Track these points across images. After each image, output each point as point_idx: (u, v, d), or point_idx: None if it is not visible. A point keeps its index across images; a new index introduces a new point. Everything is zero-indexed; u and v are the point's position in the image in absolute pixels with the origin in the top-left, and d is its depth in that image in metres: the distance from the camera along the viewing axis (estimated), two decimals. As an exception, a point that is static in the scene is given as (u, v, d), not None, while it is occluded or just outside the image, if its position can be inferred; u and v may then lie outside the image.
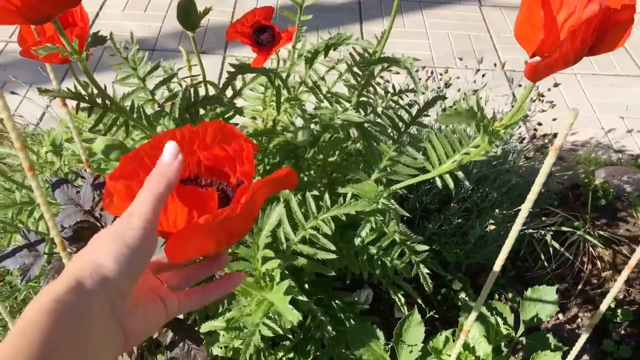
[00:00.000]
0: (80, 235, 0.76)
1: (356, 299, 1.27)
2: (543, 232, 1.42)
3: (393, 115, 1.06)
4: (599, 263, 1.55)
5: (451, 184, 0.93)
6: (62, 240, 0.65)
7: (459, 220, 1.42)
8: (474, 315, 0.72)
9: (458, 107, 0.78)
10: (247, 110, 1.18)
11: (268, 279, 0.75)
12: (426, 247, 1.04)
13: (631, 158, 1.93)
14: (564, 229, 1.48)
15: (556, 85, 1.57)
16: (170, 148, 0.43)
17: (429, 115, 1.09)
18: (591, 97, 2.20)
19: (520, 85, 1.63)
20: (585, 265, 1.53)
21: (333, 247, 0.88)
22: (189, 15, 0.84)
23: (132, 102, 0.88)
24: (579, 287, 1.48)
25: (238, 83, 1.13)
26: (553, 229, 1.45)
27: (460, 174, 0.96)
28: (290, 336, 1.02)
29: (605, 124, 2.08)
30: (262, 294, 0.75)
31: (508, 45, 2.43)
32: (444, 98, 1.16)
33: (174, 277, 0.48)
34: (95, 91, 0.81)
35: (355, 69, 1.06)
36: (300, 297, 0.85)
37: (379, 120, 1.09)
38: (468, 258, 1.42)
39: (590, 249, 1.55)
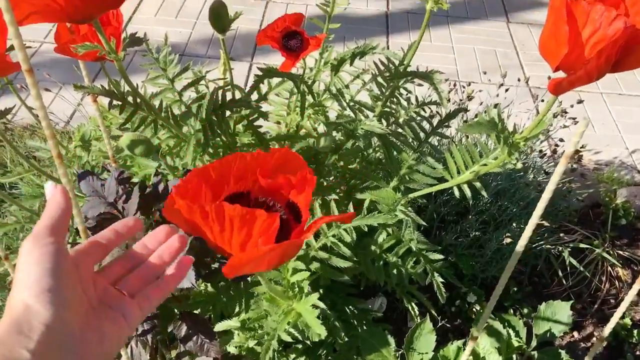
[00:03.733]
0: (102, 226, 0.79)
1: (370, 306, 1.28)
2: (561, 248, 1.42)
3: (415, 126, 1.08)
4: (617, 283, 1.54)
5: (468, 194, 0.94)
6: (85, 228, 0.68)
7: (476, 233, 1.42)
8: (482, 322, 0.73)
9: (480, 118, 0.80)
10: (271, 114, 1.21)
11: (297, 290, 0.77)
12: (441, 257, 1.05)
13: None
14: (582, 245, 1.48)
15: (580, 102, 1.57)
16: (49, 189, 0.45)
17: (449, 127, 1.11)
18: (616, 117, 2.18)
19: (543, 101, 1.63)
20: (603, 284, 1.52)
21: (352, 256, 0.90)
22: (220, 18, 0.87)
23: (161, 102, 0.91)
24: (596, 306, 1.47)
25: (264, 88, 1.15)
26: (571, 245, 1.45)
27: (478, 185, 0.97)
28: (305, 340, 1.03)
29: (630, 144, 2.07)
30: (289, 303, 0.76)
31: (534, 61, 2.43)
32: (465, 110, 1.17)
33: (134, 282, 0.48)
34: (127, 89, 0.84)
35: (380, 79, 1.09)
36: (319, 304, 0.87)
37: (400, 130, 1.11)
38: (484, 271, 1.42)
39: (609, 268, 1.54)
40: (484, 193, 0.95)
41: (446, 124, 1.08)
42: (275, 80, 1.17)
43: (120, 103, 0.85)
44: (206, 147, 0.97)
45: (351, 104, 1.13)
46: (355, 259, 0.90)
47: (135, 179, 0.97)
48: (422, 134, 1.08)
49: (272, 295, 0.75)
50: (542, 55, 0.69)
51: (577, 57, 0.64)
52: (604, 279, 1.53)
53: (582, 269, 1.46)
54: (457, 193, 0.98)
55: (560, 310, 1.13)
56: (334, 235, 0.91)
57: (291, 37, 0.95)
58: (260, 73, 1.00)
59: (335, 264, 0.92)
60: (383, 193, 0.99)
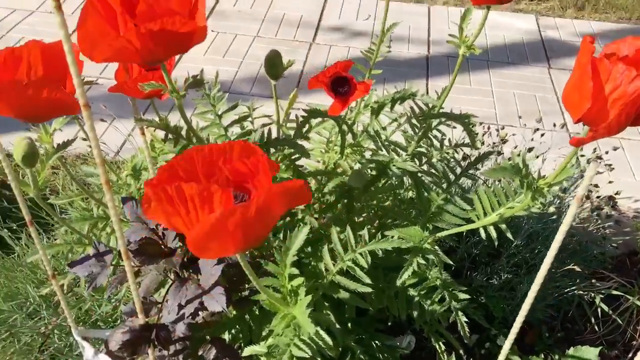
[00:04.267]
0: (143, 250, 0.84)
1: (398, 344, 1.30)
2: (593, 294, 1.41)
3: (444, 167, 1.12)
4: (652, 333, 1.51)
5: (494, 235, 0.96)
6: (126, 250, 0.73)
7: (508, 275, 1.43)
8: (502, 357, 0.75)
9: (503, 163, 0.83)
10: (312, 153, 1.26)
11: (293, 295, 0.81)
12: (467, 296, 1.06)
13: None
14: (615, 292, 1.46)
15: (615, 149, 1.57)
16: None
17: (479, 169, 1.14)
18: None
19: (581, 149, 1.63)
20: (638, 334, 1.50)
21: (368, 280, 0.93)
22: (275, 67, 0.94)
23: (208, 137, 0.98)
24: (630, 354, 1.44)
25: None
26: (604, 292, 1.44)
27: (503, 227, 0.99)
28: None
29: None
30: (287, 309, 0.81)
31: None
32: (498, 153, 1.20)
33: None
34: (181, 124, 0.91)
35: (414, 121, 1.13)
36: (333, 322, 0.90)
37: (432, 170, 1.15)
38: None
39: (644, 318, 1.52)
40: (509, 235, 0.97)
41: (475, 166, 1.12)
42: (315, 120, 1.22)
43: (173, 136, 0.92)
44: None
45: (386, 144, 1.17)
46: (369, 282, 0.93)
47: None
48: (451, 176, 1.11)
49: (271, 301, 0.79)
50: (565, 106, 0.73)
51: (598, 111, 0.67)
52: (639, 328, 1.51)
53: (615, 317, 1.44)
54: (483, 234, 1.00)
55: (589, 355, 1.13)
56: (350, 260, 0.94)
57: (340, 82, 0.99)
58: (304, 114, 1.06)
59: (353, 288, 0.95)
60: (411, 231, 1.02)
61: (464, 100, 2.43)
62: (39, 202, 0.87)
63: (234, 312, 1.01)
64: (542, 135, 1.66)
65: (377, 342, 1.21)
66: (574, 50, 2.85)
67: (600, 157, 1.48)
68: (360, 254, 0.96)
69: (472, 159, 1.16)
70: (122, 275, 0.90)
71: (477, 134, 1.18)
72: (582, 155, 1.53)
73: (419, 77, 2.59)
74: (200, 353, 0.93)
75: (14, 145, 0.79)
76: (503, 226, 0.97)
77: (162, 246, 0.87)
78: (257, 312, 1.05)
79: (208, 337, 0.93)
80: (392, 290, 1.11)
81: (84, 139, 1.08)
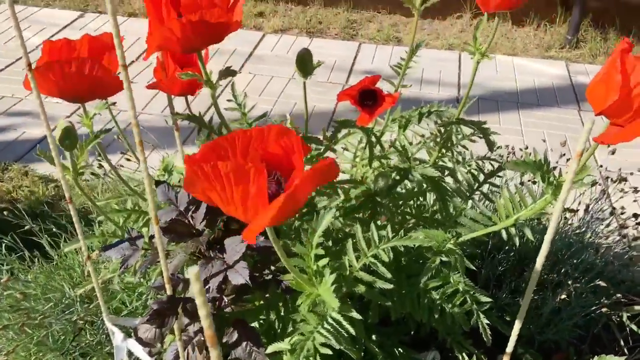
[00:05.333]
0: (172, 229, 0.89)
1: (422, 359, 1.29)
2: (621, 313, 1.39)
3: (468, 174, 1.15)
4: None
5: (513, 232, 0.98)
6: (159, 228, 0.78)
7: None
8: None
9: (526, 158, 0.86)
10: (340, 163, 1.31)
11: (319, 275, 0.84)
12: (489, 299, 1.07)
13: None
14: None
15: (640, 171, 1.58)
16: None
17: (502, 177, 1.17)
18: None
19: (613, 181, 1.62)
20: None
21: (389, 275, 0.95)
22: (305, 64, 1.00)
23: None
24: (660, 380, 1.40)
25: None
26: (632, 313, 1.42)
27: (527, 232, 1.01)
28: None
29: None
30: (312, 289, 0.83)
31: (604, 147, 2.44)
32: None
33: None
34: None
35: (436, 131, 1.18)
36: (357, 317, 0.92)
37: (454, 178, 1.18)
38: (541, 334, 1.41)
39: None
40: (529, 234, 0.99)
41: (497, 174, 1.15)
42: (342, 132, 1.28)
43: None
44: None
45: (411, 157, 1.21)
46: (393, 278, 0.95)
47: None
48: (475, 184, 1.15)
49: (298, 280, 0.82)
50: (589, 99, 0.76)
51: (622, 102, 0.71)
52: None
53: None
54: (504, 235, 1.02)
55: (614, 367, 1.11)
56: (372, 256, 0.97)
57: (368, 94, 1.04)
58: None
59: (376, 284, 0.97)
60: (434, 232, 1.04)
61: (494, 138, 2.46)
62: (77, 185, 0.93)
63: (259, 303, 1.04)
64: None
65: (400, 350, 1.22)
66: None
67: (625, 179, 1.48)
68: (383, 250, 0.98)
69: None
70: (152, 256, 0.95)
71: (501, 156, 1.22)
72: (607, 178, 1.54)
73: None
74: (223, 340, 0.96)
75: (57, 128, 0.86)
76: (527, 231, 0.99)
77: (191, 228, 0.92)
78: (281, 307, 1.08)
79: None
80: (414, 292, 1.12)
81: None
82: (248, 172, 0.52)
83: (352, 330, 0.89)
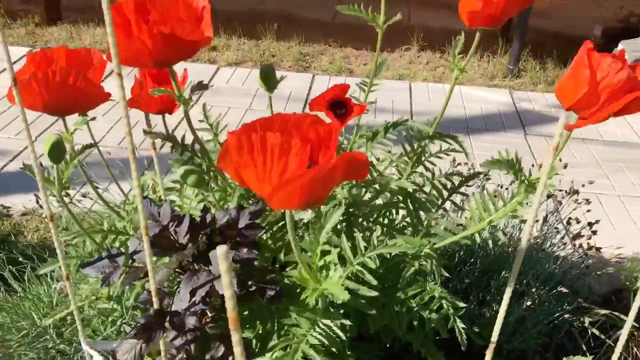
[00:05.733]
0: (157, 243, 0.89)
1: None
2: (582, 318, 1.46)
3: (439, 184, 1.20)
4: (644, 364, 1.54)
5: (486, 235, 1.02)
6: (146, 225, 0.78)
7: (498, 306, 1.47)
8: None
9: (500, 157, 0.91)
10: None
11: (324, 271, 0.86)
12: (464, 305, 1.11)
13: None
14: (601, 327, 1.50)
15: (591, 182, 1.67)
16: None
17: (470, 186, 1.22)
18: (635, 216, 2.26)
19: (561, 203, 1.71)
20: (630, 365, 1.53)
21: (375, 281, 0.98)
22: (269, 78, 1.03)
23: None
24: (623, 383, 1.47)
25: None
26: (593, 319, 1.48)
27: (500, 234, 1.06)
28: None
29: (651, 240, 2.13)
30: (317, 285, 0.85)
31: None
32: (482, 174, 1.29)
33: None
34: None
35: (407, 146, 1.23)
36: (345, 322, 0.94)
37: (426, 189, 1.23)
38: (508, 342, 1.45)
39: (635, 349, 1.56)
40: (502, 237, 1.04)
41: (466, 183, 1.20)
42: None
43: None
44: (249, 196, 1.10)
45: (379, 175, 1.26)
46: (379, 285, 0.97)
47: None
48: (445, 193, 1.20)
49: (303, 275, 0.84)
50: (558, 97, 0.83)
51: (590, 96, 0.77)
52: (629, 359, 1.54)
53: (606, 339, 1.48)
54: (478, 239, 1.07)
55: (582, 367, 1.16)
56: (359, 264, 0.99)
57: (338, 104, 1.08)
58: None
59: (362, 292, 0.99)
60: (411, 239, 1.08)
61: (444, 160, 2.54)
62: (60, 200, 0.92)
63: (245, 313, 1.04)
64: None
65: (376, 363, 1.24)
66: (546, 119, 3.03)
67: (577, 191, 1.57)
68: (370, 257, 1.01)
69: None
70: (135, 272, 0.94)
71: (462, 172, 1.28)
72: (561, 190, 1.62)
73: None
74: (207, 357, 0.96)
75: (44, 141, 0.86)
76: (500, 234, 1.04)
77: (174, 242, 0.92)
78: (267, 321, 1.08)
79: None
80: (393, 303, 1.15)
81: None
82: (293, 147, 0.54)
83: (342, 335, 0.90)
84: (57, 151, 0.85)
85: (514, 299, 1.46)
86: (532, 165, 2.18)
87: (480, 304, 1.48)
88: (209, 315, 0.96)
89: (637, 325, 1.59)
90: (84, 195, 1.66)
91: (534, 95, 3.27)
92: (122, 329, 1.20)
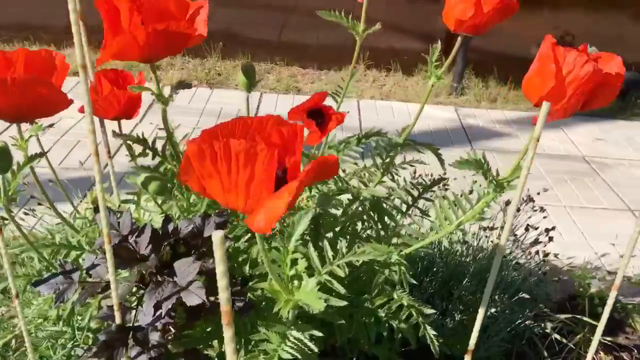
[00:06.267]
0: (117, 253, 0.83)
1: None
2: (543, 324, 1.47)
3: (403, 193, 1.19)
4: (601, 368, 1.57)
5: (456, 240, 1.02)
6: (108, 233, 0.73)
7: (462, 316, 1.47)
8: None
9: (468, 156, 0.91)
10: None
11: (296, 280, 0.82)
12: (433, 311, 1.09)
13: (625, 279, 2.00)
14: (557, 335, 1.52)
15: (545, 190, 1.70)
16: None
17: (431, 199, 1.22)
18: (581, 226, 2.33)
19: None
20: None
21: (343, 290, 0.95)
22: (249, 76, 0.99)
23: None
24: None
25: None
26: (554, 324, 1.49)
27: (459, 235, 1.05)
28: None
29: (598, 249, 2.18)
30: (289, 296, 0.81)
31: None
32: (444, 180, 1.30)
33: None
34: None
35: (378, 159, 1.22)
36: (315, 332, 0.90)
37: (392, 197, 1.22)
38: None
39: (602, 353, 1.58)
40: (468, 237, 1.03)
41: (430, 189, 1.20)
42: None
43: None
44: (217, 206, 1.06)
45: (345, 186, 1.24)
46: (344, 291, 0.94)
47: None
48: (410, 200, 1.19)
49: (274, 287, 0.80)
50: (525, 93, 0.83)
51: (557, 90, 0.78)
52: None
53: (568, 343, 1.49)
54: (446, 243, 1.06)
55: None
56: (327, 273, 0.96)
57: (317, 113, 1.04)
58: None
59: (331, 302, 0.96)
60: (378, 246, 1.06)
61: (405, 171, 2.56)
62: (7, 213, 0.85)
63: (207, 330, 0.99)
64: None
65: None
66: (491, 134, 3.10)
67: (532, 199, 1.59)
68: (338, 266, 0.98)
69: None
70: (91, 288, 0.88)
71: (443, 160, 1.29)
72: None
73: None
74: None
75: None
76: (460, 233, 1.03)
77: (135, 253, 0.87)
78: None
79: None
80: (361, 314, 1.12)
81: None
82: (259, 153, 0.50)
83: (314, 348, 0.87)
84: (3, 160, 0.78)
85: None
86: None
87: (443, 314, 1.47)
88: (172, 331, 0.90)
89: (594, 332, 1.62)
90: (26, 213, 1.55)
91: (478, 111, 3.35)
92: (73, 352, 1.11)
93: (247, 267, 1.08)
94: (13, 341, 1.18)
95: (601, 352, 1.58)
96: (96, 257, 0.91)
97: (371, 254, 0.97)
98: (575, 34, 3.75)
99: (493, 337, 1.44)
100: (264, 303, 1.02)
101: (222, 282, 0.38)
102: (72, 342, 1.12)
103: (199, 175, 0.55)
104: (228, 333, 0.41)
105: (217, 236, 0.38)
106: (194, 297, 0.80)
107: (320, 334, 0.89)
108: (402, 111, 3.26)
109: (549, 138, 3.09)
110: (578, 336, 1.57)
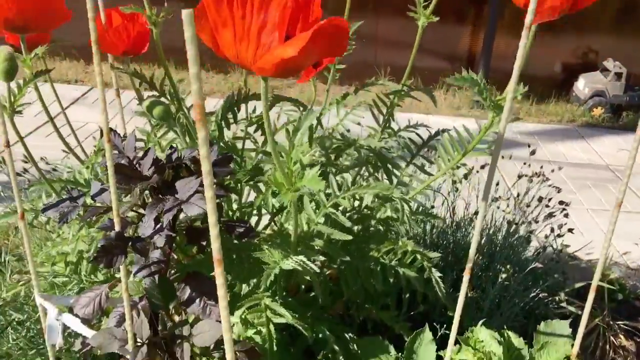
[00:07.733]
0: (120, 170, 0.85)
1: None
2: (558, 298, 1.43)
3: (408, 142, 1.20)
4: (622, 352, 1.51)
5: (460, 178, 1.01)
6: (108, 129, 0.75)
7: (472, 293, 1.44)
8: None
9: (464, 75, 0.91)
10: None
11: (300, 170, 0.82)
12: (437, 254, 1.08)
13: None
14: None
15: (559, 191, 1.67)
16: None
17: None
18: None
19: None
20: (607, 354, 1.50)
21: (349, 223, 0.94)
22: None
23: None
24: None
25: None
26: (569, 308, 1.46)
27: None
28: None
29: (620, 248, 2.13)
30: (292, 186, 0.81)
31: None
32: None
33: None
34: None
35: (376, 111, 1.23)
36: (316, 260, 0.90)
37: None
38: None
39: (612, 338, 1.53)
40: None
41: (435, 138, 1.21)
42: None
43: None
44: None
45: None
46: (350, 224, 0.94)
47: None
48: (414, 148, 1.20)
49: (277, 180, 0.80)
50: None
51: None
52: (607, 347, 1.51)
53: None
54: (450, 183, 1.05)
55: (560, 330, 1.13)
56: (332, 206, 0.96)
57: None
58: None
59: (336, 237, 0.96)
60: (381, 184, 1.06)
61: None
62: (12, 127, 0.88)
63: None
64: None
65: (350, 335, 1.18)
66: (513, 144, 3.09)
67: (543, 174, 1.58)
68: (344, 198, 0.98)
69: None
70: (95, 209, 0.89)
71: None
72: (525, 175, 1.63)
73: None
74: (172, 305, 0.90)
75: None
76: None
77: (139, 172, 0.88)
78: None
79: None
80: (367, 262, 1.11)
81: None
82: None
83: (314, 267, 0.86)
84: (10, 65, 0.81)
85: (488, 283, 1.43)
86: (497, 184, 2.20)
87: (453, 287, 1.45)
88: (173, 257, 0.91)
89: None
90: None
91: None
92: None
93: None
94: (22, 291, 1.20)
95: (621, 337, 1.53)
96: (101, 184, 0.93)
97: (376, 187, 0.97)
98: (598, 50, 3.75)
99: (507, 312, 1.41)
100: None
101: (209, 205, 0.40)
102: (78, 286, 1.13)
103: (213, 25, 0.57)
104: (220, 280, 0.42)
105: (185, 14, 0.39)
106: (195, 208, 0.80)
107: (322, 258, 0.88)
108: (423, 121, 3.27)
109: (572, 149, 3.05)
110: (597, 319, 1.52)
